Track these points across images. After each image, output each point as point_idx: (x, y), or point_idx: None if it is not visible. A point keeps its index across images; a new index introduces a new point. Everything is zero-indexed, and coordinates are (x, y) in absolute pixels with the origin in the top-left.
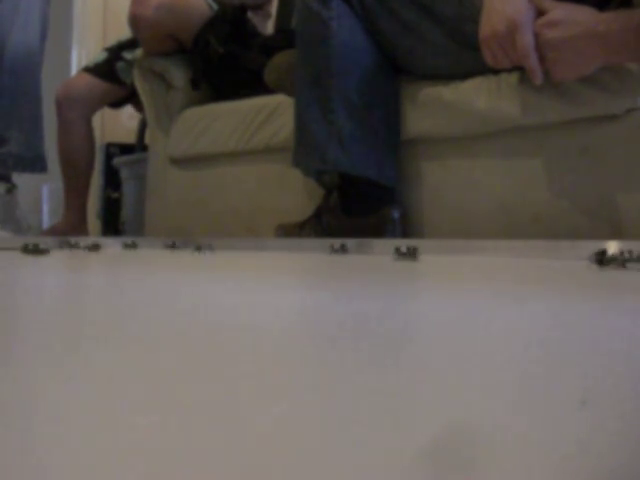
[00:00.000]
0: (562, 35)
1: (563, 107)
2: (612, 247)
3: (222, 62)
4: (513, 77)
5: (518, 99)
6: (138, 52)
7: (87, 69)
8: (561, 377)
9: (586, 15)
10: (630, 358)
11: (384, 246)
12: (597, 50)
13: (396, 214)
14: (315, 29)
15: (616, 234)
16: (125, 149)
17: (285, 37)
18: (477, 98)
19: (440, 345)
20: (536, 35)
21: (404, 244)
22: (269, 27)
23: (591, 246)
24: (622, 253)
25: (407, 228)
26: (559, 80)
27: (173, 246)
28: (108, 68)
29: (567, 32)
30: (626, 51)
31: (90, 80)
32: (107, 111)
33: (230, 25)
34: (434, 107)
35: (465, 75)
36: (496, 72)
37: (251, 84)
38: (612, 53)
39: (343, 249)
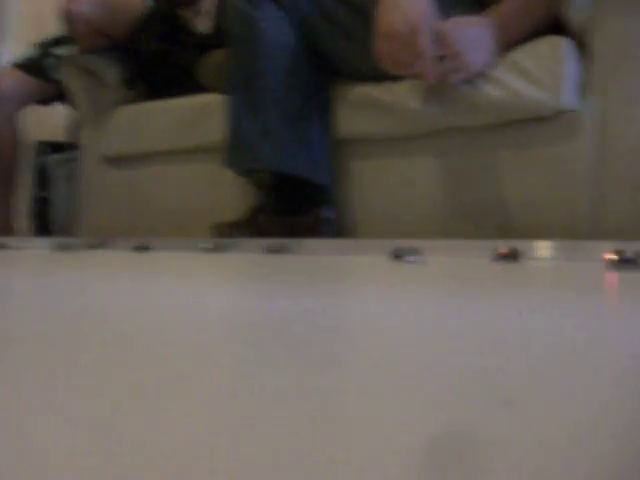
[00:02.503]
0: (458, 34)
1: (496, 109)
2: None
3: (155, 60)
4: None
5: (451, 100)
6: (68, 49)
7: (16, 65)
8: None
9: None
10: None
11: (321, 246)
12: (496, 37)
13: (330, 214)
14: (244, 29)
15: (532, 234)
16: (56, 147)
17: (223, 36)
18: (411, 99)
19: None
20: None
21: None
22: (207, 25)
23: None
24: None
25: (341, 228)
26: (456, 80)
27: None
28: (37, 64)
29: (461, 31)
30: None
31: (18, 76)
32: (38, 108)
33: (161, 22)
34: (368, 107)
35: (396, 77)
36: None
37: (185, 82)
38: (511, 34)
39: (278, 249)
